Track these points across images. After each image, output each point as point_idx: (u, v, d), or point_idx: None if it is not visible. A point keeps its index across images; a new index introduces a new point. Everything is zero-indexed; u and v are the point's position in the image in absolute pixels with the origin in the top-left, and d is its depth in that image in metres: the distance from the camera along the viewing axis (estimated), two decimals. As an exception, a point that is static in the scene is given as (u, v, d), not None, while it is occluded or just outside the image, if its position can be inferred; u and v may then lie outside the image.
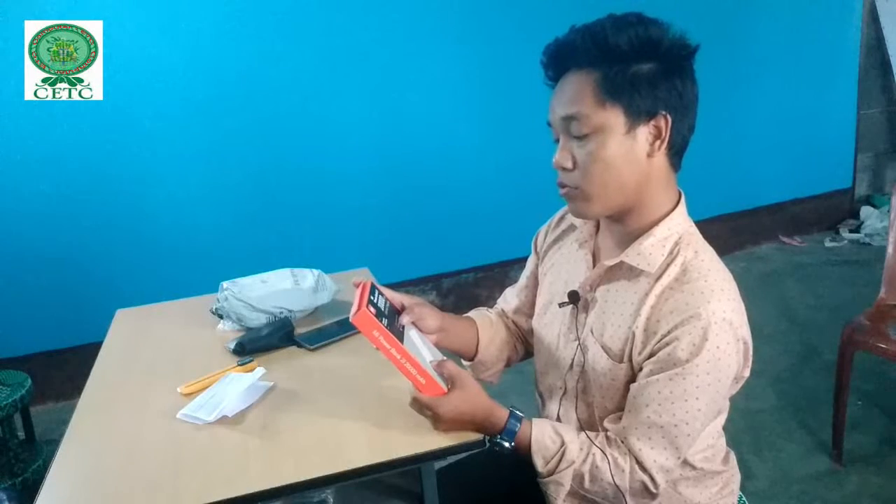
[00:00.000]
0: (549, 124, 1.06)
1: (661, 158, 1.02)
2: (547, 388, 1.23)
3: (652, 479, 1.02)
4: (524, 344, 1.37)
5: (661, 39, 0.98)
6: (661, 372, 0.99)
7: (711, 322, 0.96)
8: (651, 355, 1.01)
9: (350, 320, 1.01)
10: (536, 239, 1.32)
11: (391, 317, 1.08)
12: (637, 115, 0.99)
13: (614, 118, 0.99)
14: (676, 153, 1.04)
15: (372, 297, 1.05)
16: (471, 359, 1.31)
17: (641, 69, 0.98)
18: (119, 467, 1.08)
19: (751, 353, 1.04)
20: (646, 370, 1.02)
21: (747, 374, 1.07)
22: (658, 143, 1.01)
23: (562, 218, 1.28)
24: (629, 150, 1.00)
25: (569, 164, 1.03)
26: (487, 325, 1.33)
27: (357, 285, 1.09)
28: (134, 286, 2.68)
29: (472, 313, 1.36)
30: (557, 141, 1.06)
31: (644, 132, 1.00)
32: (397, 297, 1.15)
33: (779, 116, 3.84)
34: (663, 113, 0.99)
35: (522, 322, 1.35)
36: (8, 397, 2.10)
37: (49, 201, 2.66)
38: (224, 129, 2.82)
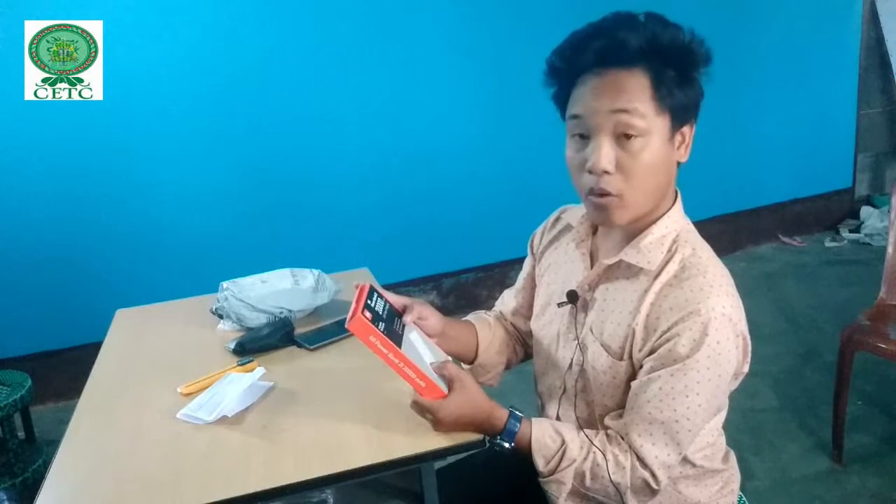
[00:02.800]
0: (577, 116, 1.00)
1: (681, 160, 1.05)
2: (546, 389, 1.23)
3: (653, 475, 1.02)
4: (523, 346, 1.37)
5: (692, 43, 0.98)
6: (662, 368, 0.99)
7: (711, 318, 0.97)
8: (651, 352, 1.01)
9: (346, 326, 1.01)
10: (532, 241, 1.32)
11: (390, 320, 1.07)
12: (679, 120, 1.00)
13: (662, 123, 0.98)
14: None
15: (369, 301, 1.05)
16: (470, 362, 1.31)
17: (686, 76, 0.99)
18: (119, 467, 1.08)
19: (749, 348, 1.05)
20: (646, 367, 1.02)
21: (746, 369, 1.07)
22: (683, 147, 1.03)
23: (557, 219, 1.28)
24: (668, 155, 1.01)
25: (612, 167, 0.97)
26: (486, 328, 1.33)
27: (357, 287, 1.09)
28: (134, 286, 2.68)
29: (470, 317, 1.36)
30: (582, 136, 1.00)
31: (677, 139, 1.02)
32: (399, 301, 1.15)
33: (779, 116, 3.84)
34: (692, 120, 1.02)
35: (521, 324, 1.35)
36: (8, 397, 2.10)
37: (49, 201, 2.66)
38: (224, 129, 2.82)
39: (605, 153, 0.97)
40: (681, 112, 0.99)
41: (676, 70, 0.98)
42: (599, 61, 0.98)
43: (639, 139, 0.97)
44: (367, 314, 1.01)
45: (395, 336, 1.05)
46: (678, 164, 1.05)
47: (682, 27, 1.00)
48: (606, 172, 0.98)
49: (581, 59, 0.99)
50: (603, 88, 0.98)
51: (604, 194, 0.99)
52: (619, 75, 0.97)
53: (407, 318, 1.12)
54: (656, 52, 0.97)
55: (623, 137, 0.97)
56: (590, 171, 0.99)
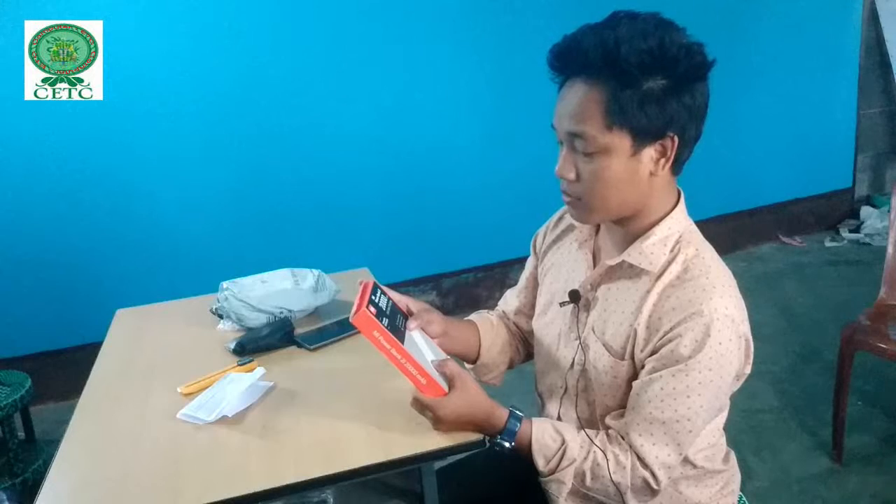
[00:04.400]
0: (554, 127, 1.04)
1: (664, 172, 1.02)
2: (547, 388, 1.23)
3: (653, 475, 1.02)
4: (526, 345, 1.37)
5: (677, 57, 0.94)
6: (664, 368, 0.99)
7: (714, 318, 0.97)
8: (653, 352, 1.01)
9: (350, 320, 1.01)
10: (535, 240, 1.32)
11: (392, 316, 1.08)
12: (644, 137, 0.97)
13: (620, 141, 0.97)
14: (681, 164, 1.04)
15: (373, 297, 1.05)
16: (473, 362, 1.31)
17: (652, 89, 0.94)
18: (119, 467, 1.08)
19: (752, 349, 1.05)
20: (648, 367, 1.02)
21: (748, 371, 1.07)
22: (663, 161, 1.00)
23: (560, 218, 1.28)
24: (633, 171, 0.99)
25: (571, 176, 1.02)
26: (489, 328, 1.33)
27: (361, 284, 1.09)
28: (134, 286, 2.68)
29: (472, 316, 1.36)
30: (561, 143, 1.04)
31: (649, 152, 0.99)
32: (402, 300, 1.15)
33: (779, 116, 3.84)
34: (670, 134, 0.97)
35: (523, 323, 1.35)
36: (8, 397, 2.10)
37: (49, 201, 2.66)
38: (224, 129, 2.82)
39: (563, 162, 1.03)
40: (642, 131, 0.96)
41: (635, 88, 0.94)
42: (568, 71, 1.01)
43: (597, 155, 0.98)
44: (372, 309, 1.02)
45: (398, 333, 1.05)
46: (674, 167, 1.02)
47: (675, 34, 0.95)
48: (567, 179, 1.03)
49: (558, 65, 1.01)
50: (565, 103, 1.01)
51: (567, 195, 1.05)
52: (580, 89, 0.98)
53: (412, 325, 1.12)
54: (612, 67, 0.94)
55: (583, 153, 0.99)
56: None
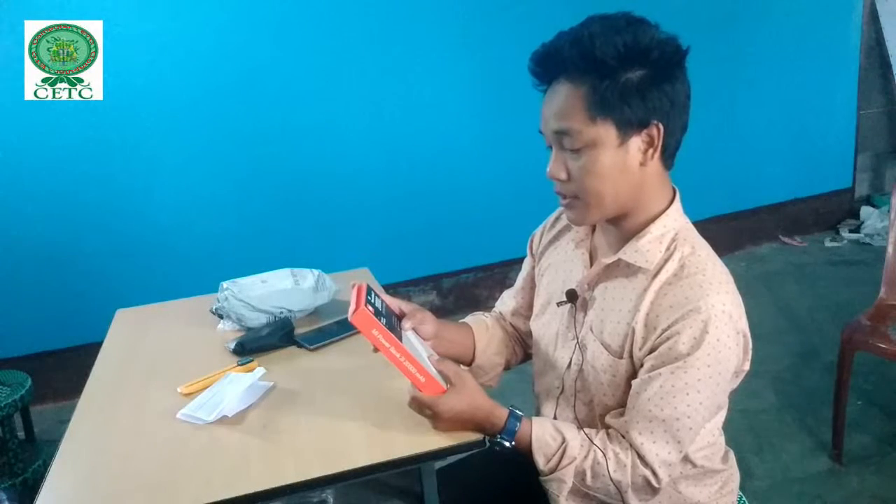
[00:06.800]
0: (541, 132, 1.06)
1: (654, 163, 1.02)
2: (544, 388, 1.23)
3: (654, 473, 1.02)
4: (523, 346, 1.37)
5: (650, 46, 0.96)
6: (663, 366, 0.99)
7: (711, 315, 0.97)
8: (652, 350, 1.01)
9: (348, 320, 1.01)
10: (532, 240, 1.32)
11: (388, 317, 1.08)
12: (628, 127, 0.98)
13: (605, 132, 0.98)
14: (670, 155, 1.04)
15: (369, 298, 1.06)
16: (468, 364, 1.31)
17: (630, 79, 0.96)
18: (119, 467, 1.08)
19: (750, 345, 1.05)
20: (647, 365, 1.02)
21: (747, 367, 1.07)
22: (651, 150, 1.00)
23: (557, 219, 1.28)
24: (622, 161, 1.00)
25: (563, 176, 1.03)
26: (483, 330, 1.33)
27: (353, 287, 1.09)
28: (134, 286, 2.68)
29: (467, 318, 1.37)
30: (550, 147, 1.05)
31: (636, 142, 1.00)
32: (394, 303, 1.15)
33: (779, 116, 3.84)
34: (655, 122, 0.98)
35: (520, 324, 1.35)
36: (8, 397, 2.10)
37: (49, 201, 2.66)
38: (224, 129, 2.82)
39: (554, 163, 1.04)
40: (626, 121, 0.98)
41: (613, 80, 0.96)
42: (549, 75, 1.03)
43: (585, 150, 1.00)
44: (370, 308, 1.02)
45: (395, 332, 1.05)
46: (664, 158, 1.03)
47: (646, 27, 0.97)
48: (558, 179, 1.04)
49: (538, 70, 1.04)
50: (548, 106, 1.03)
51: (562, 196, 1.06)
52: (561, 89, 1.00)
53: (406, 325, 1.12)
54: (589, 62, 0.96)
55: (572, 150, 1.01)
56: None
